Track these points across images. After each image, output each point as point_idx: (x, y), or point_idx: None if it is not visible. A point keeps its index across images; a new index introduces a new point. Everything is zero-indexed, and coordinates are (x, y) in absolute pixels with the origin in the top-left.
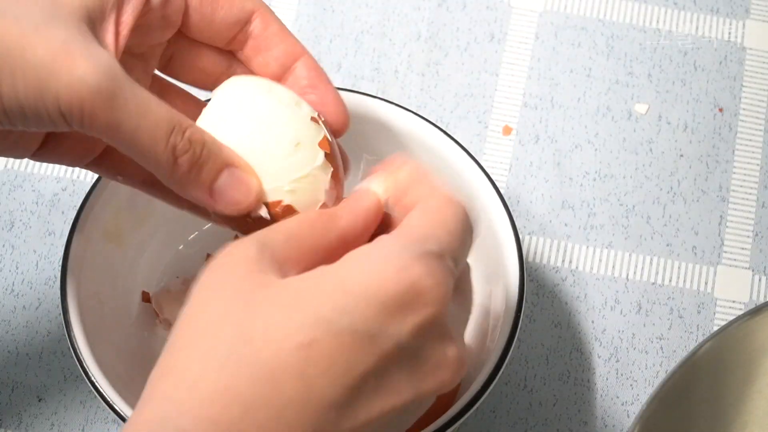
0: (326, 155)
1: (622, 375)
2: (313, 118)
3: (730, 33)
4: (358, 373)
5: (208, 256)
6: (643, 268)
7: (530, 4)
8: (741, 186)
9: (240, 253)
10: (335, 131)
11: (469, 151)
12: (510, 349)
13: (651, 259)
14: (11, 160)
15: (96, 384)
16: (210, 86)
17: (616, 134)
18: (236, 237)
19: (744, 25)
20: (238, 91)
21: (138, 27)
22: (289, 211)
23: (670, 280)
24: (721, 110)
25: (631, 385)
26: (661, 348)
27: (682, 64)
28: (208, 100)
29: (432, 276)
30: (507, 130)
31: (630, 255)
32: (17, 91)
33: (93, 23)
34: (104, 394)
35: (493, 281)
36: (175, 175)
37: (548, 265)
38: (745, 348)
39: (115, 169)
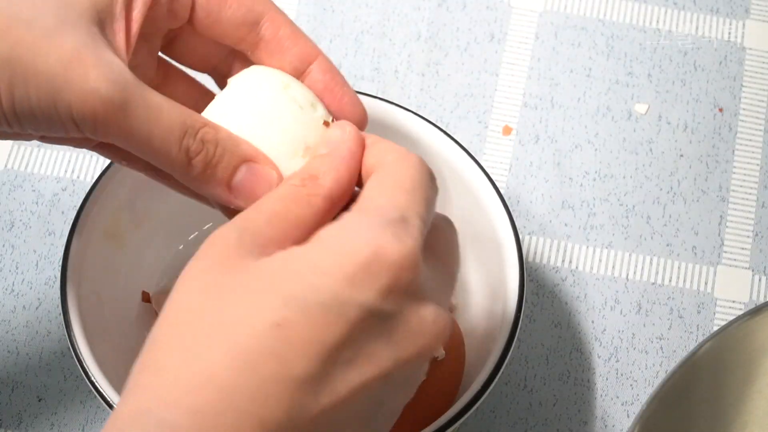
0: None
1: (622, 375)
2: (326, 123)
3: (730, 33)
4: (331, 344)
5: None
6: (643, 268)
7: (530, 4)
8: (741, 186)
9: (220, 242)
10: None
11: (469, 151)
12: (510, 349)
13: (651, 259)
14: (11, 159)
15: (96, 384)
16: (209, 70)
17: (616, 134)
18: None
19: (744, 25)
20: (254, 84)
21: (145, 19)
22: None
23: (670, 280)
24: (721, 110)
25: (631, 385)
26: (661, 348)
27: (682, 64)
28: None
29: (397, 240)
30: (507, 130)
31: (630, 255)
32: (30, 98)
33: (102, 24)
34: (104, 394)
35: (493, 281)
36: (190, 176)
37: (548, 265)
38: (745, 348)
39: (121, 153)
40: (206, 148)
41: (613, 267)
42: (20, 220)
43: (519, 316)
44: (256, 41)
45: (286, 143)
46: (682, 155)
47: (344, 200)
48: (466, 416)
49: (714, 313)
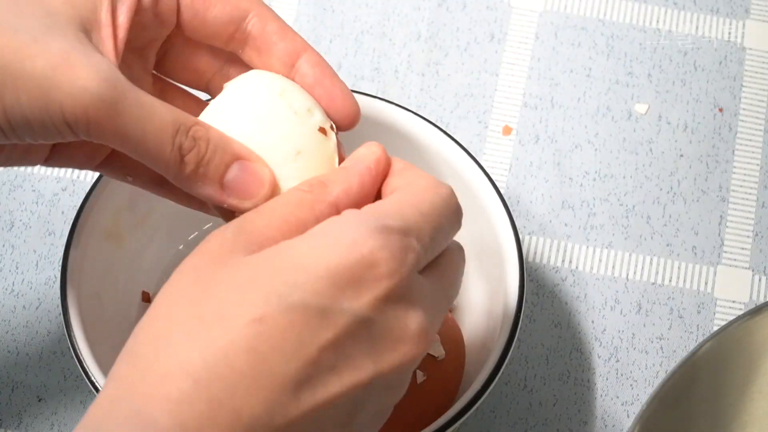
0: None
1: (622, 375)
2: (321, 129)
3: (730, 33)
4: (314, 349)
5: None
6: (643, 268)
7: (530, 4)
8: (741, 186)
9: (215, 239)
10: (343, 125)
11: (469, 151)
12: (510, 349)
13: (651, 259)
14: None
15: (96, 384)
16: (202, 87)
17: (616, 134)
18: None
19: (744, 25)
20: (250, 88)
21: (131, 26)
22: None
23: (670, 280)
24: (721, 110)
25: (631, 385)
26: (661, 348)
27: (682, 64)
28: (209, 100)
29: (386, 248)
30: (507, 130)
31: (630, 255)
32: (21, 104)
33: (89, 32)
34: None
35: (493, 281)
36: (183, 174)
37: (548, 265)
38: (745, 348)
39: (124, 170)
40: (198, 145)
41: (613, 267)
42: (20, 220)
43: (519, 316)
44: (244, 38)
45: (278, 148)
46: (682, 155)
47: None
48: (466, 416)
49: (714, 313)
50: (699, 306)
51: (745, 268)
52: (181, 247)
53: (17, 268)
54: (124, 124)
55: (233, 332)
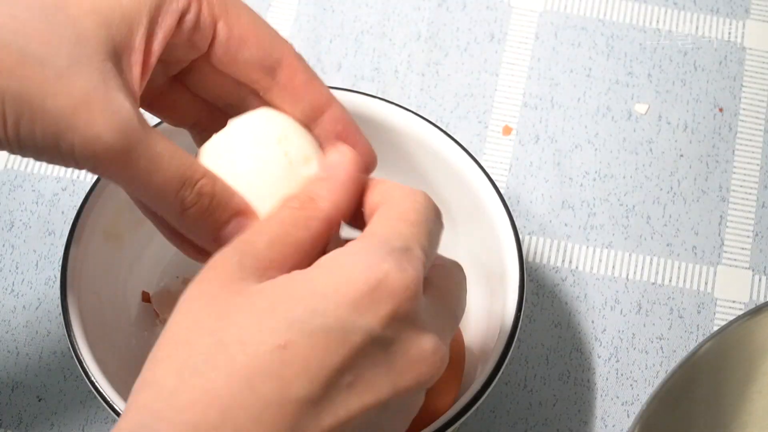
0: None
1: (622, 375)
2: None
3: (730, 33)
4: (333, 367)
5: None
6: (643, 268)
7: (530, 4)
8: (741, 186)
9: (221, 265)
10: None
11: (469, 151)
12: (510, 349)
13: (651, 259)
14: (11, 159)
15: (96, 384)
16: (220, 105)
17: (616, 134)
18: None
19: (744, 25)
20: (250, 132)
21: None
22: None
23: (670, 280)
24: (721, 110)
25: (631, 385)
26: (661, 348)
27: (682, 64)
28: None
29: (400, 269)
30: (507, 130)
31: (630, 255)
32: (35, 135)
33: (119, 57)
34: (104, 394)
35: (493, 281)
36: (181, 223)
37: (548, 265)
38: (745, 348)
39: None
40: (201, 201)
41: (613, 267)
42: (20, 220)
43: (519, 316)
44: (270, 85)
45: (268, 196)
46: (682, 155)
47: (340, 221)
48: (466, 416)
49: (714, 313)
50: (699, 306)
51: (745, 268)
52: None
53: (17, 268)
54: (131, 173)
55: (257, 359)
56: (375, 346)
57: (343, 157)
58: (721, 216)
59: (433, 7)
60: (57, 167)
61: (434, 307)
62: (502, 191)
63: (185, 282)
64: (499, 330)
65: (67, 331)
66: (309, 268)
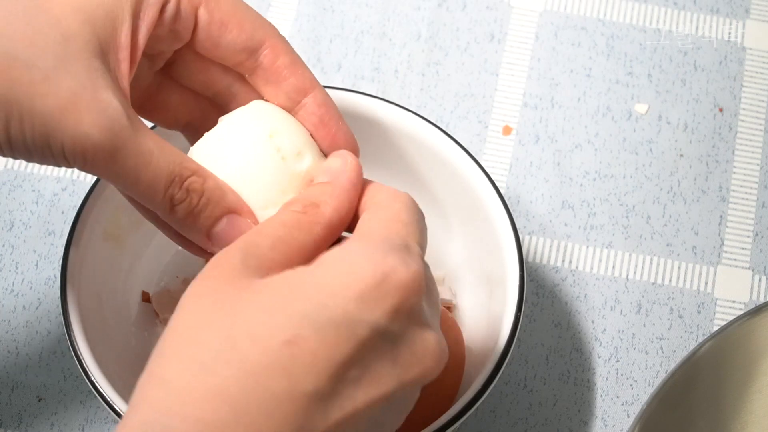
0: None
1: (622, 375)
2: (308, 174)
3: (730, 33)
4: (340, 361)
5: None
6: (643, 268)
7: (530, 4)
8: (741, 186)
9: (225, 263)
10: None
11: (469, 151)
12: (510, 349)
13: (651, 259)
14: (11, 159)
15: (96, 384)
16: (209, 95)
17: (616, 134)
18: None
19: (744, 25)
20: (241, 128)
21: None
22: None
23: (670, 280)
24: (721, 110)
25: (631, 385)
26: (661, 348)
27: (682, 64)
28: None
29: (405, 264)
30: (507, 130)
31: (630, 255)
32: (25, 136)
33: (105, 55)
34: (104, 394)
35: (493, 281)
36: (172, 220)
37: (548, 265)
38: (745, 348)
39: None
40: (190, 198)
41: (613, 267)
42: (20, 220)
43: (519, 316)
44: (254, 67)
45: (262, 193)
46: (682, 155)
47: (343, 228)
48: (466, 416)
49: (714, 313)
50: (699, 306)
51: (745, 268)
52: (180, 247)
53: (17, 268)
54: (119, 170)
55: (267, 355)
56: (381, 340)
57: (345, 164)
58: (721, 216)
59: (433, 7)
60: (56, 168)
61: (427, 300)
62: (502, 191)
63: (185, 282)
64: (499, 330)
65: (67, 331)
66: (313, 265)
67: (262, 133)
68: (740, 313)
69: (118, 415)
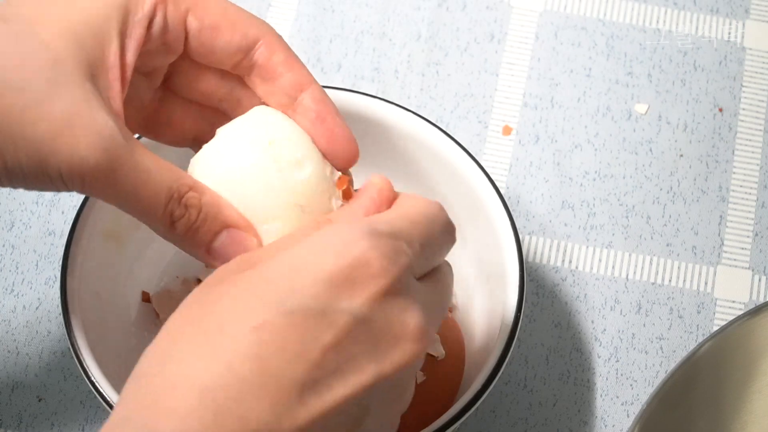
0: None
1: (622, 375)
2: (307, 183)
3: (730, 33)
4: (316, 351)
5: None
6: (643, 268)
7: (530, 4)
8: (741, 186)
9: (222, 268)
10: (341, 166)
11: (469, 151)
12: (510, 349)
13: (651, 259)
14: None
15: (96, 384)
16: (213, 105)
17: (616, 134)
18: None
19: (744, 25)
20: (239, 138)
21: (139, 56)
22: None
23: (670, 280)
24: (721, 110)
25: (631, 385)
26: (661, 348)
27: (682, 64)
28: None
29: (377, 248)
30: (507, 130)
31: (630, 255)
32: (21, 162)
33: (96, 78)
34: (104, 394)
35: (493, 281)
36: (172, 236)
37: (548, 265)
38: (745, 348)
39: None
40: (189, 213)
41: (613, 267)
42: (20, 220)
43: (519, 316)
44: (251, 66)
45: (261, 205)
46: (682, 155)
47: None
48: (466, 416)
49: (714, 313)
50: (699, 306)
51: (745, 268)
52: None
53: (17, 268)
54: (119, 190)
55: (235, 341)
56: (357, 327)
57: (370, 185)
58: (721, 216)
59: (433, 7)
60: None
61: (425, 290)
62: (502, 191)
63: (185, 282)
64: (499, 330)
65: (67, 331)
66: (289, 248)
67: (261, 143)
68: (740, 313)
69: None
